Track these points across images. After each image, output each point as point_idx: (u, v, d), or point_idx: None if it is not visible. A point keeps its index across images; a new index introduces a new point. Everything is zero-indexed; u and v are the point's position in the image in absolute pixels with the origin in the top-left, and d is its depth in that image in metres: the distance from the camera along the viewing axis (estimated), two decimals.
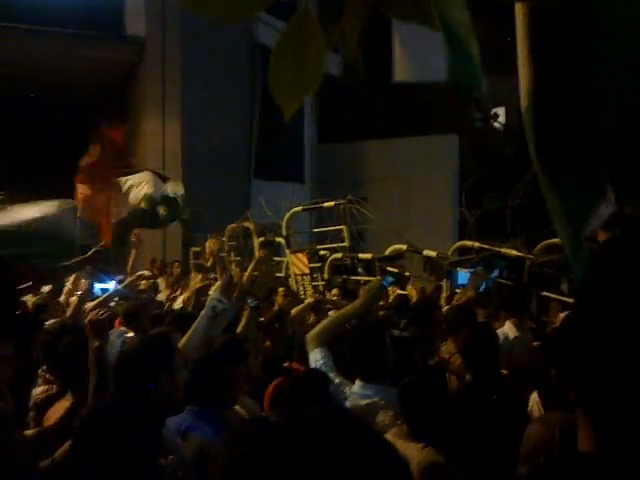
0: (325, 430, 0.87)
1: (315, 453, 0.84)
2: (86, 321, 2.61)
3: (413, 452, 2.34)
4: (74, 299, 4.78)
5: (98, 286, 5.34)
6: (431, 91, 16.26)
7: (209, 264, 7.06)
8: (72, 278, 5.08)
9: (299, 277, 8.11)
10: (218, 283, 3.99)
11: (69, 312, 4.49)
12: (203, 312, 3.48)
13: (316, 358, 3.14)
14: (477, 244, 6.71)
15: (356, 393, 2.92)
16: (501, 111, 19.26)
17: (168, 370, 2.53)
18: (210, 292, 4.25)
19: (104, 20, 13.18)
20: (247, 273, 4.77)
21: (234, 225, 9.98)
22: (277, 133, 15.86)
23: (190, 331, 3.31)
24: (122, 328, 4.36)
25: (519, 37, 1.50)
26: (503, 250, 6.39)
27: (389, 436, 2.44)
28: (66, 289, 5.14)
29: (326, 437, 0.85)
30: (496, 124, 19.34)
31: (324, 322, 3.39)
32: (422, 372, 2.81)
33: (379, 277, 6.16)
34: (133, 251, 5.56)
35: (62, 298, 5.15)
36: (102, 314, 2.62)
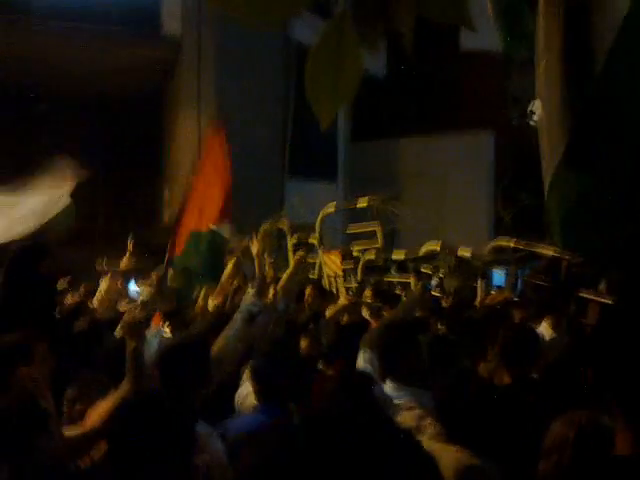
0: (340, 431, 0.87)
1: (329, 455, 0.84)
2: (122, 322, 2.63)
3: (449, 454, 2.32)
4: (98, 297, 4.85)
5: (133, 288, 5.39)
6: (466, 88, 16.06)
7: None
8: (106, 279, 5.09)
9: (332, 278, 8.08)
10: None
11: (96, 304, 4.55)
12: (237, 315, 3.45)
13: (359, 361, 3.14)
14: (513, 243, 6.59)
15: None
16: (538, 105, 18.93)
17: (204, 372, 2.55)
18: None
19: (140, 19, 13.36)
20: (288, 274, 4.67)
21: (267, 225, 10.00)
22: (311, 131, 15.86)
23: (222, 337, 3.27)
24: (159, 326, 4.41)
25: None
26: (540, 249, 6.26)
27: (424, 438, 2.41)
28: (100, 289, 5.16)
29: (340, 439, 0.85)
30: (532, 122, 19.00)
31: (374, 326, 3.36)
32: (458, 373, 2.77)
33: (420, 282, 6.07)
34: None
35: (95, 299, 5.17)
36: (139, 314, 2.63)
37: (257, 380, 2.77)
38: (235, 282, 5.63)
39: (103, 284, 5.00)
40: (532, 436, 2.54)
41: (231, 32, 13.23)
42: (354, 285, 7.72)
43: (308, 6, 1.18)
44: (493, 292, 7.05)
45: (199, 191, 5.95)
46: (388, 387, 2.92)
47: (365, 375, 2.86)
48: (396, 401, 2.84)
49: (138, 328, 2.60)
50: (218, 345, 3.16)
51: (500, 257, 7.08)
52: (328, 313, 4.95)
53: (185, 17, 13.52)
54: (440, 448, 2.34)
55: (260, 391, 2.75)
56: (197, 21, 13.47)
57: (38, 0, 12.38)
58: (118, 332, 3.18)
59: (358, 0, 1.24)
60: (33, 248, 3.88)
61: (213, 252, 5.92)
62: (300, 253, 5.83)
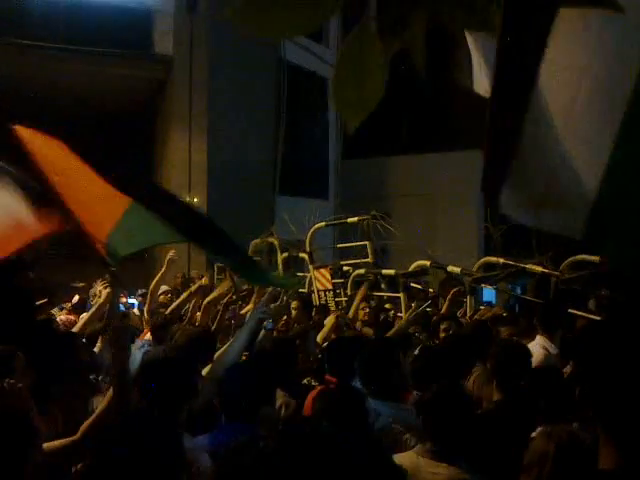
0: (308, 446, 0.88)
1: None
2: (109, 331, 2.60)
3: (440, 471, 2.32)
4: (85, 315, 4.81)
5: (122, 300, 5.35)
6: (456, 107, 16.25)
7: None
8: (101, 292, 5.05)
9: (322, 292, 8.10)
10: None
11: (77, 326, 4.52)
12: (247, 326, 3.41)
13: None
14: (502, 260, 6.64)
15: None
16: None
17: (192, 385, 2.53)
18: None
19: (133, 39, 13.46)
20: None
21: (258, 240, 10.02)
22: (301, 149, 15.97)
23: (230, 345, 3.23)
24: (145, 339, 4.38)
25: None
26: (529, 266, 6.31)
27: (413, 454, 2.41)
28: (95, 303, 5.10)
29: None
30: None
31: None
32: (447, 389, 2.76)
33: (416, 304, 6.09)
34: (163, 267, 5.58)
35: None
36: (124, 325, 2.61)
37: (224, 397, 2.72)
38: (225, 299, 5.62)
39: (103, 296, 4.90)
40: (519, 451, 2.55)
41: (223, 51, 13.36)
42: (344, 299, 7.73)
43: (331, 17, 1.19)
44: (482, 308, 7.08)
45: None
46: (370, 402, 2.93)
47: (356, 390, 2.86)
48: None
49: (124, 339, 2.58)
50: (219, 362, 3.10)
51: (489, 274, 7.12)
52: (320, 336, 4.92)
53: (177, 36, 13.65)
54: (428, 464, 2.34)
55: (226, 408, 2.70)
56: (189, 40, 13.60)
57: (30, 21, 12.46)
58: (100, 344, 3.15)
59: (380, 14, 1.26)
60: (8, 261, 3.84)
61: None
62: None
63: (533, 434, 2.66)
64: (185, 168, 13.63)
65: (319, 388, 3.11)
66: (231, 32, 13.40)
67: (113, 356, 2.56)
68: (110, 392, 2.64)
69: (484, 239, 15.06)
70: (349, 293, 7.93)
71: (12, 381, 2.69)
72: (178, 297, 7.99)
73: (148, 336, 4.65)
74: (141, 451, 1.76)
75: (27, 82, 13.31)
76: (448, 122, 16.00)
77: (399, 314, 7.18)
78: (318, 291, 8.13)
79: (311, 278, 8.48)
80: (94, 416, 2.53)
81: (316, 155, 16.82)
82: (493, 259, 6.93)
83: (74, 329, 4.53)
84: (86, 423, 2.51)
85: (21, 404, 2.62)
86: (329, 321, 5.32)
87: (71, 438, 2.48)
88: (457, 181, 15.82)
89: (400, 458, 2.37)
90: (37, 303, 4.55)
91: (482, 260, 7.43)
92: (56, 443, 2.45)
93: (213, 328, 4.52)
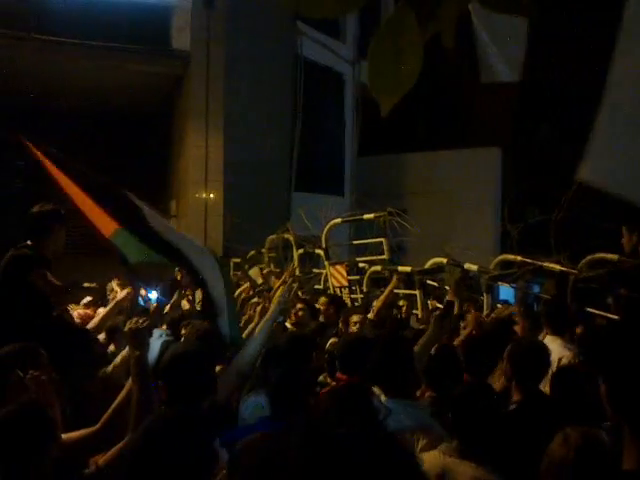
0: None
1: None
2: (126, 329, 2.59)
3: (466, 470, 2.29)
4: (102, 310, 4.83)
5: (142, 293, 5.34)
6: (474, 103, 16.13)
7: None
8: (118, 288, 5.07)
9: (338, 289, 8.10)
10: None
11: (94, 321, 4.55)
12: (268, 318, 3.41)
13: None
14: (519, 258, 6.58)
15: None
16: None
17: (213, 380, 2.53)
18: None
19: (150, 35, 13.50)
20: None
21: (274, 236, 10.04)
22: (318, 146, 15.95)
23: (252, 339, 3.23)
24: (162, 329, 4.37)
25: None
26: (546, 264, 6.25)
27: (438, 453, 2.38)
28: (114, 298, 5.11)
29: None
30: (540, 136, 19.03)
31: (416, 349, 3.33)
32: (473, 387, 2.72)
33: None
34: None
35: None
36: (142, 323, 2.59)
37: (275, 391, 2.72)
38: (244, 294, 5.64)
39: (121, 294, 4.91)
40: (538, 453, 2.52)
41: (239, 47, 13.39)
42: (359, 296, 7.73)
43: None
44: (499, 306, 7.03)
45: None
46: (383, 400, 2.91)
47: (363, 388, 2.84)
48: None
49: (142, 337, 2.58)
50: (242, 358, 3.09)
51: (506, 272, 7.06)
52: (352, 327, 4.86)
53: (194, 32, 13.67)
54: (455, 463, 2.31)
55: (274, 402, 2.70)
56: (206, 36, 13.62)
57: (48, 17, 12.54)
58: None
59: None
60: (24, 257, 3.87)
61: None
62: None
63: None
64: (202, 164, 13.67)
65: (331, 386, 3.10)
66: (247, 29, 13.48)
67: (132, 353, 2.55)
68: (128, 385, 2.65)
69: (501, 237, 14.97)
70: (365, 290, 7.92)
71: (36, 374, 2.72)
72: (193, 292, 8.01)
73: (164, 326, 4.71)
74: (177, 449, 1.74)
75: (46, 78, 13.41)
76: (465, 119, 15.91)
77: (414, 311, 7.16)
78: (334, 287, 8.13)
79: (326, 275, 8.49)
80: (112, 408, 2.54)
81: (332, 151, 16.80)
82: (510, 257, 6.87)
83: (90, 324, 4.56)
84: (106, 415, 2.52)
85: (44, 397, 2.64)
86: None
87: (91, 429, 2.49)
88: (474, 178, 15.72)
89: (425, 457, 2.35)
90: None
91: (499, 258, 7.38)
92: (76, 434, 2.47)
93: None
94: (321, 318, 5.73)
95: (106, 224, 3.39)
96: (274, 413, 2.71)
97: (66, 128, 14.93)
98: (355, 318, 5.01)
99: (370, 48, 1.21)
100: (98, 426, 2.50)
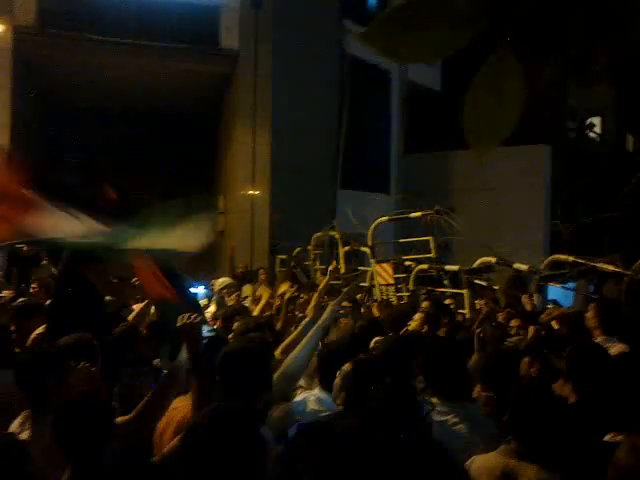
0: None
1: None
2: (178, 325, 2.61)
3: (528, 473, 2.25)
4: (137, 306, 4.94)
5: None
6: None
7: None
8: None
9: (384, 287, 8.09)
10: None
11: (132, 314, 4.66)
12: (321, 322, 3.36)
13: None
14: (572, 258, 6.45)
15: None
16: (596, 121, 18.44)
17: (269, 376, 2.56)
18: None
19: (199, 34, 13.72)
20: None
21: (320, 234, 10.10)
22: (364, 143, 15.94)
23: (305, 342, 3.18)
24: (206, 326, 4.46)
25: None
26: (599, 265, 6.11)
27: (496, 455, 2.35)
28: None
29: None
30: (591, 134, 18.54)
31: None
32: (532, 386, 2.66)
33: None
34: (229, 260, 5.73)
35: None
36: (195, 319, 2.62)
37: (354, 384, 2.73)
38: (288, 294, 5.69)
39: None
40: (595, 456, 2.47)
41: (286, 46, 13.48)
42: (406, 294, 7.70)
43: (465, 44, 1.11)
44: (549, 307, 6.91)
45: None
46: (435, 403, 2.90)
47: (408, 386, 2.83)
48: (441, 417, 2.82)
49: (196, 333, 2.59)
50: (293, 360, 3.09)
51: (558, 272, 6.94)
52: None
53: (242, 32, 13.83)
54: (515, 465, 2.28)
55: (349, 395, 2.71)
56: (254, 36, 13.77)
57: (100, 18, 12.88)
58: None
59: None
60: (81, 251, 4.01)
61: None
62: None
63: (607, 438, 2.58)
64: (249, 162, 13.84)
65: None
66: (295, 28, 13.55)
67: (187, 349, 2.59)
68: (165, 378, 2.72)
69: (550, 236, 14.67)
70: (411, 288, 7.89)
71: (87, 364, 2.83)
72: (239, 288, 8.13)
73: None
74: (226, 443, 1.77)
75: (99, 77, 13.78)
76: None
77: (459, 311, 7.10)
78: (379, 285, 8.12)
79: (372, 273, 8.49)
80: (148, 397, 2.60)
81: (378, 149, 16.76)
82: (562, 257, 6.74)
83: (129, 317, 4.66)
84: (141, 403, 2.58)
85: (92, 388, 2.75)
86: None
87: (127, 417, 2.56)
88: (523, 176, 15.42)
89: (483, 460, 2.33)
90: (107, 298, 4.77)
91: (550, 258, 7.25)
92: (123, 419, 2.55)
93: (279, 325, 4.52)
94: None
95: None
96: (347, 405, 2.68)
97: (117, 128, 15.34)
98: (416, 316, 4.96)
99: (467, 95, 1.14)
100: (133, 414, 2.57)
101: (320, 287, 4.35)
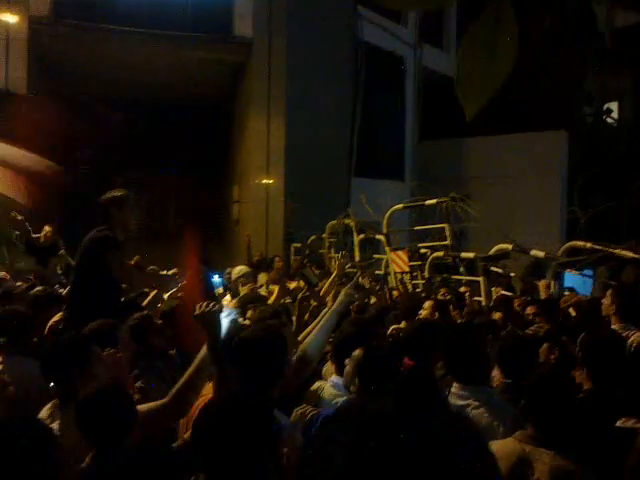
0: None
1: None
2: (196, 313, 2.61)
3: (544, 458, 2.26)
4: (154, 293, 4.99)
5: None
6: (538, 85, 15.62)
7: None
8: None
9: (399, 275, 8.08)
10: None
11: (145, 301, 4.71)
12: (336, 307, 3.38)
13: None
14: (589, 245, 6.40)
15: (454, 394, 2.90)
16: (614, 106, 18.19)
17: (285, 363, 2.57)
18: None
19: (213, 22, 13.69)
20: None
21: (335, 222, 10.10)
22: (378, 131, 15.85)
23: (319, 329, 3.21)
24: (230, 307, 4.46)
25: None
26: (618, 251, 6.06)
27: (513, 441, 2.36)
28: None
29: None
30: (609, 120, 18.29)
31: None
32: (549, 372, 2.66)
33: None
34: (246, 248, 5.76)
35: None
36: (212, 306, 2.63)
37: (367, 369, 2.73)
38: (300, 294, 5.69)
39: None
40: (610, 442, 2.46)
41: (300, 33, 13.40)
42: (421, 282, 7.69)
43: None
44: (566, 294, 6.86)
45: None
46: (455, 387, 2.91)
47: (426, 372, 2.84)
48: (462, 401, 2.83)
49: (214, 320, 2.59)
50: (309, 344, 3.10)
51: (575, 258, 6.88)
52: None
53: (256, 19, 13.78)
54: (532, 451, 2.28)
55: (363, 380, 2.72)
56: (268, 23, 13.71)
57: (115, 6, 12.88)
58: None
59: None
60: (103, 238, 4.07)
61: None
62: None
63: (618, 423, 2.57)
64: (263, 150, 13.84)
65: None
66: (309, 14, 13.46)
67: (206, 337, 2.60)
68: (197, 360, 2.72)
69: (567, 223, 14.53)
70: (426, 276, 7.88)
71: (112, 350, 2.86)
72: (255, 277, 8.16)
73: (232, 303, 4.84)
74: (236, 428, 1.77)
75: (111, 65, 13.82)
76: (529, 101, 15.44)
77: (475, 298, 7.07)
78: (395, 273, 8.12)
79: (387, 260, 8.48)
80: (182, 381, 2.60)
81: (393, 136, 16.66)
82: (580, 243, 6.68)
83: (144, 303, 4.71)
84: (175, 388, 2.59)
85: (118, 373, 2.78)
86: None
87: (161, 401, 2.57)
88: (538, 162, 15.27)
89: (499, 445, 2.33)
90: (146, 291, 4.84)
91: (567, 244, 7.18)
92: (146, 406, 2.56)
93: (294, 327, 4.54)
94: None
95: None
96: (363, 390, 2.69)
97: (132, 116, 15.37)
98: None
99: (462, 45, 1.14)
100: (168, 398, 2.57)
101: (332, 276, 4.37)
